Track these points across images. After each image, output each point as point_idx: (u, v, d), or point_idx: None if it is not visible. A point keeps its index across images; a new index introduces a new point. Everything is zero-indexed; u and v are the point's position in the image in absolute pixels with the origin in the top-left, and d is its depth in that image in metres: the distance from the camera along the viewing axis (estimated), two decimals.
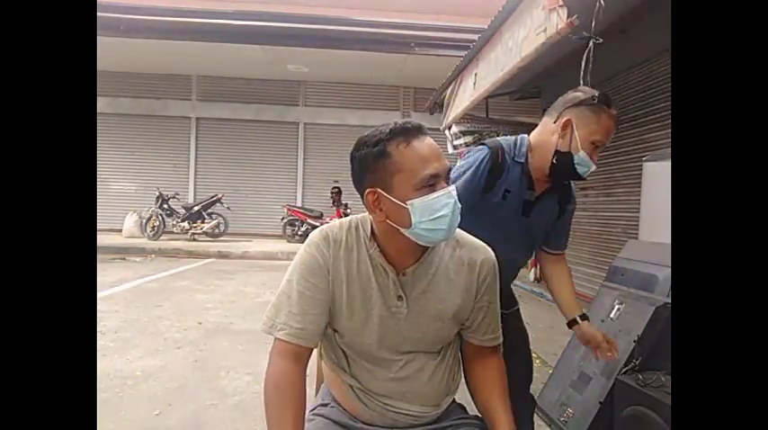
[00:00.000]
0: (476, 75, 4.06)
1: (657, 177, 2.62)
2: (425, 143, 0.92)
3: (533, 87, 6.38)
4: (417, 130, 0.93)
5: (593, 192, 5.34)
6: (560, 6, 2.32)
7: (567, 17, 2.27)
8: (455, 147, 6.08)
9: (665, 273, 1.97)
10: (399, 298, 1.01)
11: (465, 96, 4.51)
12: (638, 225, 2.92)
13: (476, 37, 3.96)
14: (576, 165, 1.39)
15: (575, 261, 5.62)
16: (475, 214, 1.35)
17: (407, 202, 0.91)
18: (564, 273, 1.61)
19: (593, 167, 1.41)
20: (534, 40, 2.65)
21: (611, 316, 2.09)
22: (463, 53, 4.48)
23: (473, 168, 1.43)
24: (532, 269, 6.65)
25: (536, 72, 5.38)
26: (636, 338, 1.84)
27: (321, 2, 7.29)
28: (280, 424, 0.91)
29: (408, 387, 1.03)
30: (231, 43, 7.40)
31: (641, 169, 2.73)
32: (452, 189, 0.93)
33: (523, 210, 1.46)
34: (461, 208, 0.97)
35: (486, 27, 3.64)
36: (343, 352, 1.06)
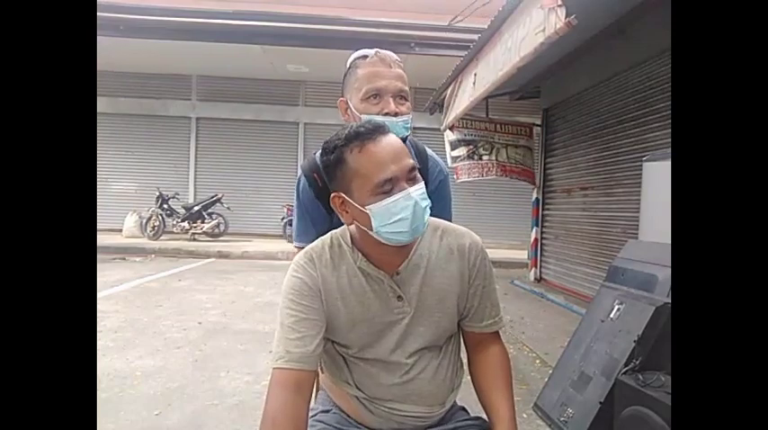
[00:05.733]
0: (475, 75, 4.06)
1: (657, 177, 2.62)
2: (381, 145, 0.90)
3: (533, 87, 6.38)
4: (372, 132, 0.91)
5: (593, 192, 5.34)
6: (558, 6, 2.32)
7: (566, 17, 2.27)
8: (453, 159, 6.00)
9: (665, 273, 1.96)
10: (399, 298, 1.00)
11: (465, 96, 4.51)
12: (638, 225, 2.92)
13: (476, 37, 3.96)
14: None
15: (575, 261, 5.63)
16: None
17: (366, 207, 0.91)
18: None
19: (388, 121, 1.15)
20: (533, 40, 2.65)
21: (611, 316, 2.09)
22: (463, 53, 4.48)
23: (300, 203, 1.35)
24: (533, 269, 6.66)
25: (536, 72, 5.38)
26: (636, 338, 1.84)
27: (321, 2, 7.30)
28: None
29: (413, 389, 1.02)
30: (231, 43, 7.39)
31: (641, 169, 2.73)
32: (414, 190, 0.91)
33: None
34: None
35: (486, 27, 3.64)
36: (345, 360, 1.05)
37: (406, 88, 1.28)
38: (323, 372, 1.12)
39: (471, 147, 6.03)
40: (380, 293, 1.00)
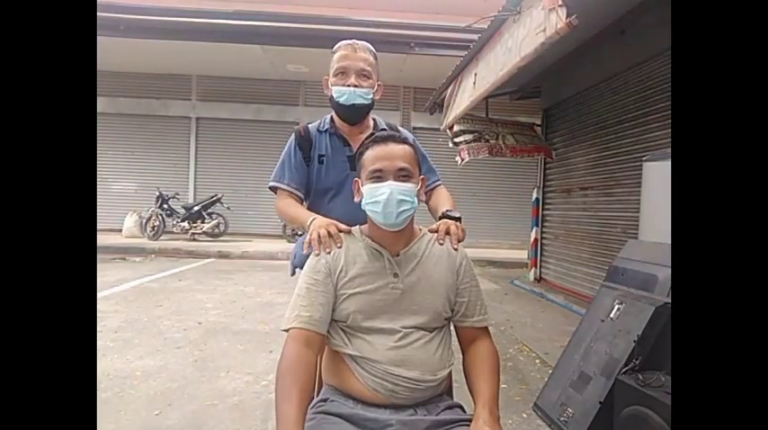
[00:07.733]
0: (476, 75, 4.06)
1: (657, 177, 2.62)
2: (381, 147, 1.19)
3: (533, 87, 6.38)
4: (381, 139, 1.21)
5: (593, 192, 5.34)
6: (559, 6, 2.32)
7: (566, 17, 2.27)
8: (456, 144, 6.04)
9: (665, 273, 1.97)
10: (395, 275, 1.19)
11: (465, 96, 4.51)
12: (638, 225, 2.92)
13: (476, 37, 3.96)
14: (338, 100, 1.60)
15: (575, 261, 5.63)
16: (323, 191, 1.64)
17: (362, 188, 1.21)
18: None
19: (348, 90, 1.58)
20: (534, 40, 2.65)
21: (611, 316, 2.09)
22: (463, 53, 4.48)
23: (287, 150, 1.72)
24: (532, 269, 6.66)
25: (536, 72, 5.38)
26: (636, 338, 1.84)
27: (321, 2, 7.30)
28: (284, 397, 1.02)
29: (407, 354, 1.15)
30: (231, 43, 7.40)
31: (641, 169, 2.73)
32: (397, 184, 1.16)
33: (350, 165, 1.63)
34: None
35: (486, 27, 3.64)
36: (344, 332, 1.19)
37: (368, 68, 1.61)
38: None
39: (476, 134, 6.01)
40: (380, 269, 1.20)
